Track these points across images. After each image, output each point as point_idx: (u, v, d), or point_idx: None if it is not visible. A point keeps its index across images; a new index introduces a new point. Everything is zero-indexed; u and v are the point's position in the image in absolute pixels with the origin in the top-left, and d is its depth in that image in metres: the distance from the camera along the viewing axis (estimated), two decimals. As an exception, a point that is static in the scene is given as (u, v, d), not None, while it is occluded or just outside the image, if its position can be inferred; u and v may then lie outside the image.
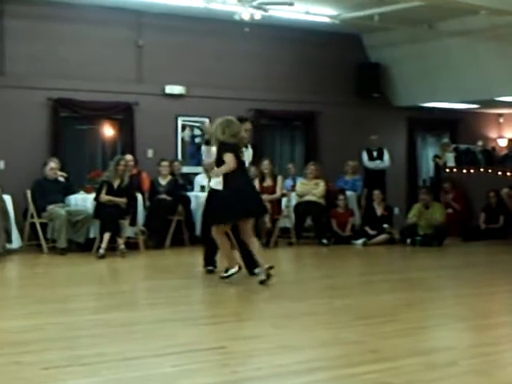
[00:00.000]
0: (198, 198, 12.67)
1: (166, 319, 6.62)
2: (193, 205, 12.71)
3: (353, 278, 10.02)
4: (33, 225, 11.60)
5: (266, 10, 11.65)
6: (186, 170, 13.68)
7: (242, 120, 9.03)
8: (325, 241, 13.01)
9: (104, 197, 11.23)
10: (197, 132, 14.33)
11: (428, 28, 14.46)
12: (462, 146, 16.12)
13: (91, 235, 11.53)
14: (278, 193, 12.86)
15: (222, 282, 8.59)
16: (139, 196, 12.08)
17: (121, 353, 5.39)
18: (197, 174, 13.66)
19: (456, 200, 14.88)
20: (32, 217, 11.55)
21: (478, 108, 17.31)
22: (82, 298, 7.25)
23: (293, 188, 13.63)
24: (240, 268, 8.72)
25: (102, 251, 10.87)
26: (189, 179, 13.52)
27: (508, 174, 14.60)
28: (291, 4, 11.95)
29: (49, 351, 5.44)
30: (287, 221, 13.19)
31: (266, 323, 6.57)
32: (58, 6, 12.84)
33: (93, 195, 11.56)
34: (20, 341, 5.72)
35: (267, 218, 12.47)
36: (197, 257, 9.92)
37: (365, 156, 15.04)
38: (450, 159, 15.68)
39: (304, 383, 4.79)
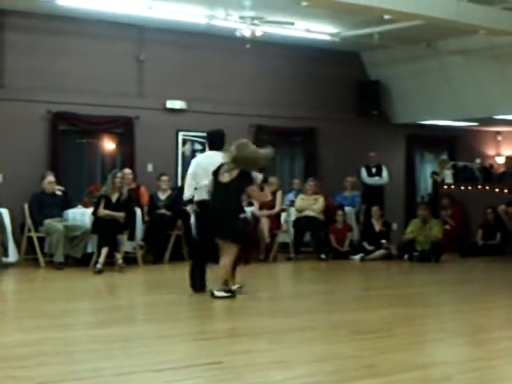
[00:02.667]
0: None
1: (163, 335, 6.62)
2: (192, 219, 12.68)
3: (350, 292, 10.01)
4: (30, 239, 11.57)
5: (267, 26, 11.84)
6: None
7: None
8: (323, 256, 13.04)
9: (102, 211, 11.21)
10: (197, 147, 14.37)
11: (427, 47, 14.53)
12: (460, 163, 16.18)
13: (89, 250, 11.50)
14: (277, 208, 12.90)
15: (219, 299, 8.58)
16: (138, 210, 12.08)
17: (116, 368, 5.39)
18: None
19: (453, 216, 14.90)
20: (29, 231, 11.54)
21: (476, 126, 17.37)
22: (79, 313, 7.24)
23: (292, 203, 13.67)
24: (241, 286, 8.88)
25: (99, 266, 10.85)
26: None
27: (505, 191, 14.63)
28: (292, 23, 12.04)
29: (44, 366, 5.43)
30: (286, 236, 13.22)
31: (262, 338, 6.56)
32: (58, 19, 12.88)
33: (91, 209, 11.55)
34: (16, 355, 5.72)
35: (266, 233, 12.52)
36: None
37: (364, 172, 15.12)
38: (447, 176, 15.72)
39: (299, 398, 4.81)
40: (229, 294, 8.45)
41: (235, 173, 8.55)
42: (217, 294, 8.42)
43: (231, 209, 8.59)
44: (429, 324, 7.47)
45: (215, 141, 9.26)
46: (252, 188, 8.69)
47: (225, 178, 8.58)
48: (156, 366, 5.45)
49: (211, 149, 9.30)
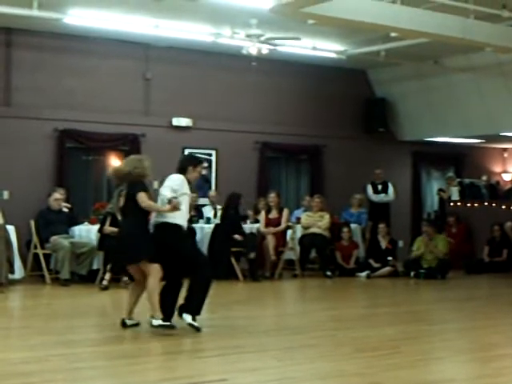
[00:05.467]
0: (203, 229, 12.71)
1: (168, 351, 6.62)
2: (198, 236, 12.72)
3: (356, 310, 9.97)
4: (36, 255, 11.59)
5: (274, 45, 11.80)
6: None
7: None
8: (329, 273, 13.01)
9: (108, 228, 11.20)
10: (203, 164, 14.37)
11: (434, 64, 14.55)
12: (467, 180, 16.18)
13: (94, 266, 11.52)
14: (283, 225, 12.89)
15: (227, 315, 8.57)
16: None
17: (121, 384, 5.39)
18: (203, 205, 13.75)
19: (459, 233, 14.88)
20: (35, 247, 11.55)
21: (482, 143, 17.35)
22: (84, 330, 7.24)
23: (298, 220, 13.67)
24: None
25: (105, 283, 10.84)
26: (199, 211, 13.56)
27: (512, 208, 14.62)
28: (298, 39, 12.07)
29: (49, 383, 5.45)
30: (292, 253, 13.19)
31: (267, 355, 6.55)
32: (65, 38, 12.95)
33: (97, 226, 11.56)
34: (21, 372, 5.73)
35: (272, 250, 12.52)
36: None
37: (369, 189, 15.13)
38: (454, 193, 15.72)
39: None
40: (167, 323, 7.46)
41: (124, 193, 7.91)
42: (154, 322, 7.43)
43: (129, 230, 7.69)
44: (435, 341, 7.43)
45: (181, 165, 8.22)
46: (140, 195, 7.56)
47: (120, 202, 8.09)
48: (161, 382, 5.45)
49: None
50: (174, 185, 7.75)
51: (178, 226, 7.63)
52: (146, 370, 5.88)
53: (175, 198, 7.50)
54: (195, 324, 7.51)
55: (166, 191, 7.64)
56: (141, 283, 7.68)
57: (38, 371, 5.78)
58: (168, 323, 7.43)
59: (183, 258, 7.67)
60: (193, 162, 8.19)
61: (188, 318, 7.53)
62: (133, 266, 7.73)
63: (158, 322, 7.37)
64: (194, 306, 7.59)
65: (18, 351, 6.57)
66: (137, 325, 7.69)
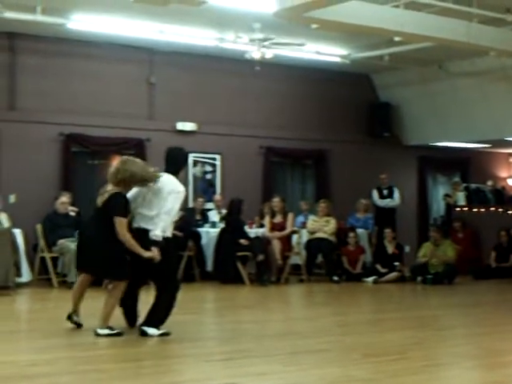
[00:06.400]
0: (208, 233, 12.71)
1: (175, 355, 6.60)
2: (204, 240, 12.73)
3: (363, 315, 9.95)
4: (43, 259, 11.62)
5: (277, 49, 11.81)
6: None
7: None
8: (336, 278, 12.99)
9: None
10: (208, 168, 14.41)
11: (438, 68, 14.55)
12: (473, 185, 16.13)
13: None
14: (288, 229, 12.87)
15: (233, 319, 8.53)
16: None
17: (129, 388, 5.37)
18: (208, 210, 13.76)
19: (466, 239, 14.86)
20: (42, 251, 11.58)
21: (488, 147, 17.33)
22: (91, 333, 7.21)
23: (304, 225, 13.65)
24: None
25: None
26: (205, 215, 13.56)
27: (518, 213, 14.61)
28: (302, 45, 12.08)
29: (57, 386, 5.43)
30: (298, 258, 13.17)
31: (274, 360, 6.52)
32: (70, 42, 12.98)
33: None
34: (28, 374, 5.70)
35: (278, 255, 12.51)
36: (207, 292, 9.87)
37: (375, 194, 15.12)
38: (460, 198, 15.69)
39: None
40: (114, 332, 7.27)
41: (106, 195, 7.32)
42: (100, 331, 7.25)
43: (100, 239, 7.28)
44: (442, 347, 7.39)
45: (171, 161, 7.72)
46: (118, 220, 7.12)
47: (98, 201, 7.43)
48: (169, 386, 5.43)
49: (166, 170, 7.61)
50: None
51: (163, 237, 7.25)
52: (154, 374, 5.86)
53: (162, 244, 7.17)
54: (163, 331, 7.29)
55: (166, 219, 7.23)
56: (88, 282, 7.61)
57: (46, 374, 5.76)
58: (115, 331, 7.24)
59: (158, 270, 7.31)
60: (186, 161, 7.75)
61: (154, 331, 7.26)
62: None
63: (105, 331, 7.23)
64: (158, 320, 7.37)
65: (26, 354, 6.56)
66: (79, 325, 7.54)
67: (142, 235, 7.21)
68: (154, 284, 7.56)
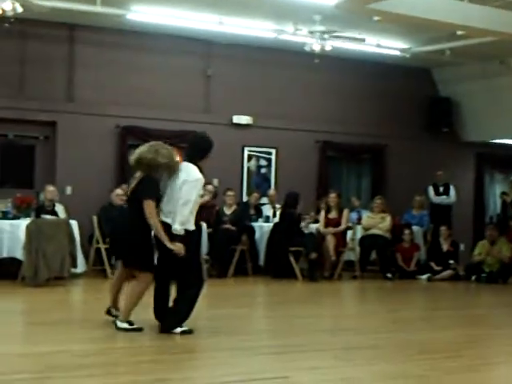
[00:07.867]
0: (262, 228, 12.70)
1: (228, 348, 6.59)
2: (257, 235, 12.71)
3: (416, 312, 9.86)
4: (98, 250, 11.73)
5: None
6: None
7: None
8: (389, 275, 12.87)
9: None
10: (263, 162, 14.38)
11: (500, 63, 14.29)
12: (531, 184, 15.86)
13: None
14: (343, 225, 12.79)
15: (286, 313, 8.49)
16: (203, 225, 12.08)
17: (182, 380, 5.39)
18: (262, 204, 13.74)
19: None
20: (97, 242, 11.69)
21: (548, 145, 16.98)
22: (144, 324, 7.23)
23: (358, 221, 13.56)
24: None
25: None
26: (259, 210, 13.53)
27: None
28: (363, 40, 11.97)
29: (111, 375, 5.46)
30: (352, 254, 13.08)
31: (328, 355, 6.49)
32: (128, 34, 13.07)
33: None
34: (83, 364, 5.75)
35: (332, 251, 12.43)
36: (260, 286, 9.86)
37: (431, 191, 14.93)
38: (517, 197, 15.44)
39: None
40: (133, 327, 7.11)
41: (134, 182, 7.23)
42: (120, 325, 7.12)
43: (128, 227, 7.19)
44: (497, 346, 7.31)
45: (191, 149, 7.42)
46: (147, 202, 6.96)
47: (127, 191, 7.38)
48: (221, 378, 5.44)
49: (186, 159, 7.29)
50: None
51: (185, 231, 6.97)
52: (207, 366, 5.87)
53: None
54: (186, 329, 7.07)
55: (185, 212, 6.91)
56: (126, 275, 7.39)
57: (101, 364, 5.81)
58: (134, 326, 7.07)
59: (181, 265, 7.02)
60: (208, 150, 7.36)
61: (177, 329, 7.04)
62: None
63: (124, 325, 7.09)
64: (180, 317, 7.14)
65: (81, 343, 6.62)
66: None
67: (164, 229, 6.95)
68: (176, 280, 7.25)
